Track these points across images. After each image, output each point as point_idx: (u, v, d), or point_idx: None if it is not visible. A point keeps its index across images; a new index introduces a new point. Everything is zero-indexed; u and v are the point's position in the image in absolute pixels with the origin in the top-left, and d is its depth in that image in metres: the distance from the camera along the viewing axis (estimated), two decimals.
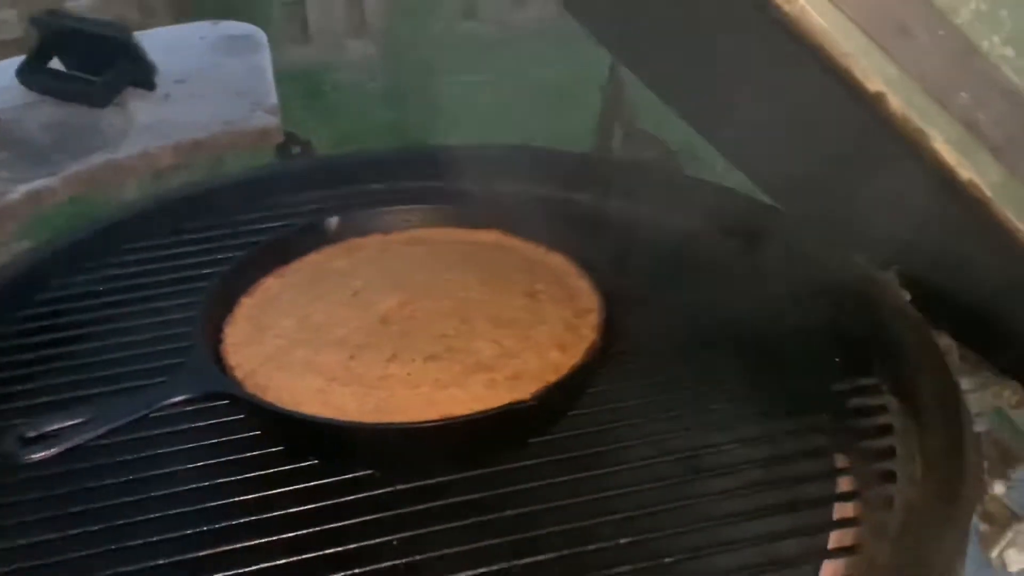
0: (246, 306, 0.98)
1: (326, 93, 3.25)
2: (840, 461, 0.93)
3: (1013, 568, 0.86)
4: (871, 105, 0.53)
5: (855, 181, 0.74)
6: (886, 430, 0.92)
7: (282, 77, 1.56)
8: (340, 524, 0.82)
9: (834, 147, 0.74)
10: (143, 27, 1.74)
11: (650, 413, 0.93)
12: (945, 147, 0.53)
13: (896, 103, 0.52)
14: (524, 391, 0.86)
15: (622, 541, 0.81)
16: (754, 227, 1.13)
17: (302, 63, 3.32)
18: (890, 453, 0.90)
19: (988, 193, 0.54)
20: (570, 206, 1.19)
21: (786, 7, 0.51)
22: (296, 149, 1.39)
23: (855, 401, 0.96)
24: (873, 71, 0.52)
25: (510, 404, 0.84)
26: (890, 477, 0.88)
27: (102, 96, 1.46)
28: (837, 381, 0.98)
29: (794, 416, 0.94)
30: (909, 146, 0.53)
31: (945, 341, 1.01)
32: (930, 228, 0.70)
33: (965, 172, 0.54)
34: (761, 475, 0.88)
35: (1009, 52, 0.52)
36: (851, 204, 0.83)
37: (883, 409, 0.95)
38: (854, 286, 1.05)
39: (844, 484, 0.90)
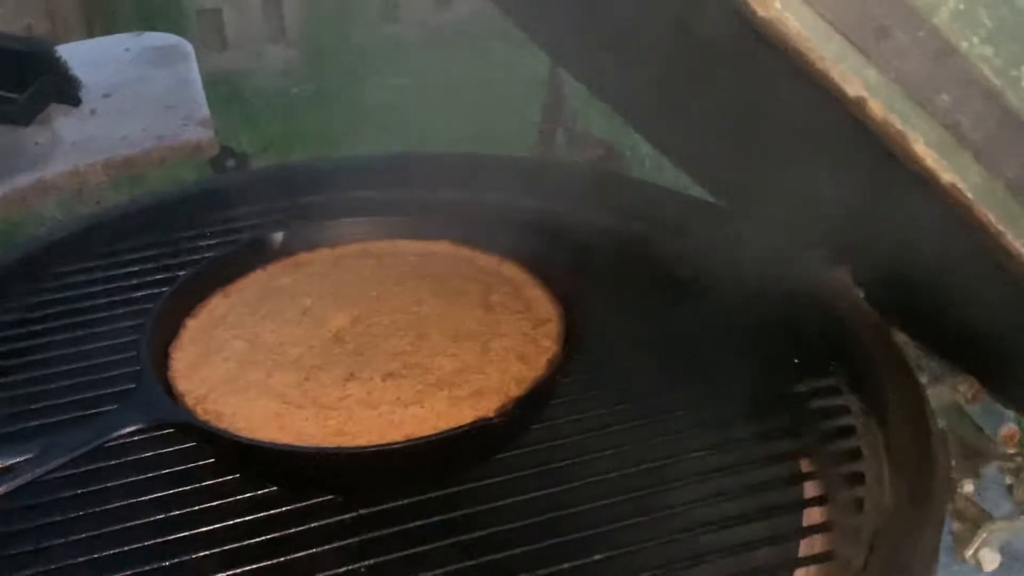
0: (192, 328, 0.95)
1: (248, 100, 3.19)
2: (805, 465, 0.92)
3: (988, 567, 0.86)
4: (851, 109, 0.52)
5: (825, 182, 0.73)
6: (850, 431, 0.92)
7: (202, 84, 1.52)
8: (305, 553, 0.80)
9: (805, 148, 0.74)
10: (56, 39, 1.69)
11: (614, 423, 0.92)
12: (926, 150, 0.53)
13: (877, 107, 0.52)
14: (488, 407, 0.84)
15: (596, 557, 0.79)
16: (704, 228, 1.12)
17: (221, 70, 3.26)
18: (856, 455, 0.90)
19: (970, 195, 0.54)
20: (520, 213, 1.17)
21: (761, 12, 0.50)
22: (231, 162, 1.35)
23: (816, 403, 0.96)
24: (853, 75, 0.51)
25: (476, 422, 0.82)
26: (858, 479, 0.87)
27: (25, 113, 1.40)
28: (797, 383, 0.98)
29: (756, 421, 0.93)
30: (890, 149, 0.53)
31: (900, 337, 1.02)
32: (902, 228, 0.69)
33: (947, 175, 0.53)
34: (728, 483, 0.88)
35: (988, 51, 0.52)
36: (814, 205, 0.83)
37: (845, 410, 0.94)
38: (808, 286, 1.04)
39: (811, 489, 0.90)
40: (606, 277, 1.07)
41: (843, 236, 0.99)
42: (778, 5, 0.50)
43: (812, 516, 0.87)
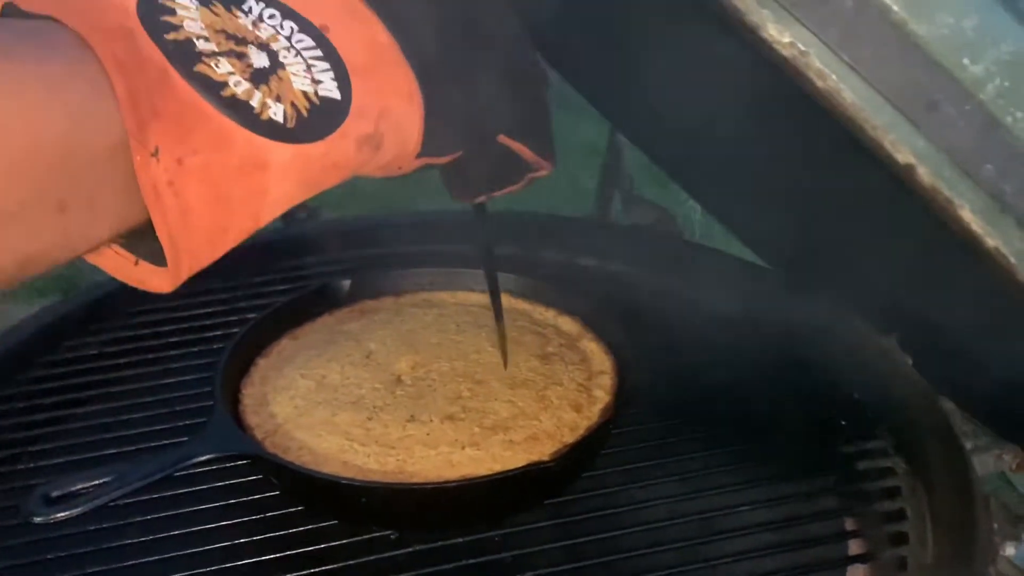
0: (262, 367, 0.99)
1: None
2: (850, 524, 0.94)
3: None
4: (901, 176, 0.56)
5: (872, 247, 0.77)
6: (895, 492, 0.94)
7: None
8: None
9: (855, 215, 0.77)
10: None
11: (662, 475, 0.95)
12: (972, 216, 0.56)
13: (925, 174, 0.55)
14: (542, 451, 0.87)
15: None
16: (757, 292, 1.15)
17: None
18: (900, 515, 0.92)
19: (1013, 260, 0.57)
20: (576, 271, 1.22)
21: (820, 83, 0.54)
22: (303, 214, 1.41)
23: (863, 464, 0.98)
24: (903, 144, 0.55)
25: (530, 464, 0.85)
26: (902, 539, 0.89)
27: None
28: (844, 444, 1.00)
29: (802, 479, 0.96)
30: (938, 215, 0.56)
31: (947, 405, 1.03)
32: (948, 295, 0.72)
33: (991, 240, 0.56)
34: (773, 537, 0.90)
35: None
36: (863, 271, 0.86)
37: (891, 471, 0.96)
38: (857, 351, 1.07)
39: (856, 547, 0.92)
40: (658, 335, 1.10)
41: (892, 303, 1.02)
42: (835, 77, 0.54)
43: (856, 573, 0.88)
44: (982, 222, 0.56)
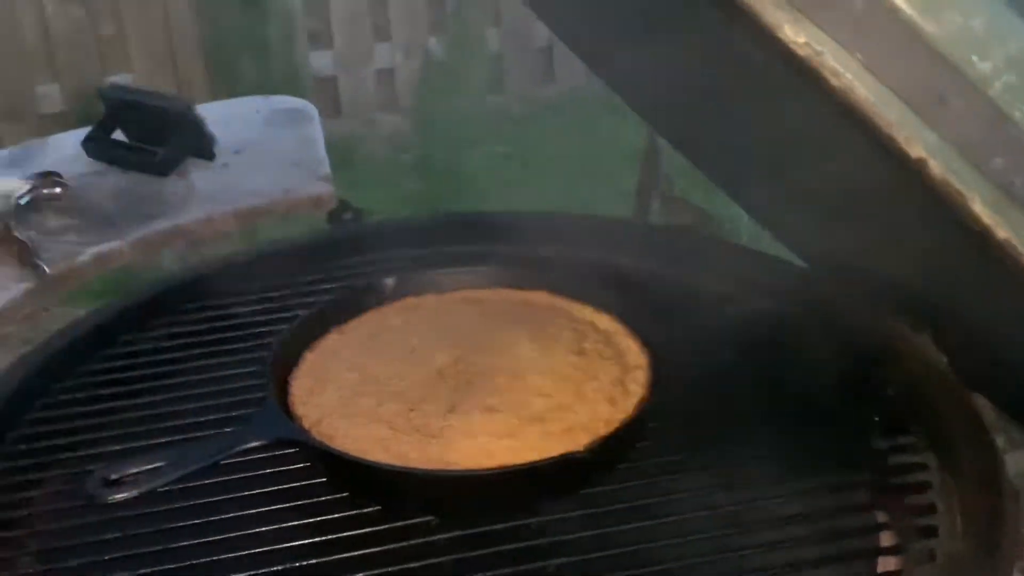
0: (310, 360, 1.03)
1: (357, 164, 3.33)
2: (881, 517, 0.96)
3: None
4: (913, 170, 0.58)
5: (894, 243, 0.79)
6: (926, 487, 0.95)
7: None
8: (401, 567, 0.86)
9: (875, 210, 0.79)
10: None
11: (695, 467, 0.97)
12: (983, 208, 0.58)
13: (937, 168, 0.57)
14: (577, 442, 0.90)
15: None
16: (790, 289, 1.17)
17: (334, 135, 3.42)
18: (931, 509, 0.93)
19: (1023, 251, 0.59)
20: (614, 269, 1.24)
21: (834, 81, 0.56)
22: (348, 215, 1.45)
23: (895, 459, 0.99)
24: (915, 138, 0.57)
25: (564, 454, 0.88)
26: (931, 532, 0.90)
27: (165, 165, 1.53)
28: (877, 439, 1.01)
29: (834, 473, 0.97)
30: (949, 208, 0.58)
31: (980, 401, 1.04)
32: (967, 288, 0.74)
33: (1002, 231, 0.58)
34: (804, 529, 0.92)
35: None
36: (890, 266, 0.88)
37: (922, 466, 0.98)
38: (891, 347, 1.08)
39: (886, 539, 0.93)
40: (694, 331, 1.12)
41: (924, 300, 1.03)
42: (848, 75, 0.56)
43: (886, 564, 0.90)
44: (992, 213, 0.58)
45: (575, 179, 2.86)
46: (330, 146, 1.61)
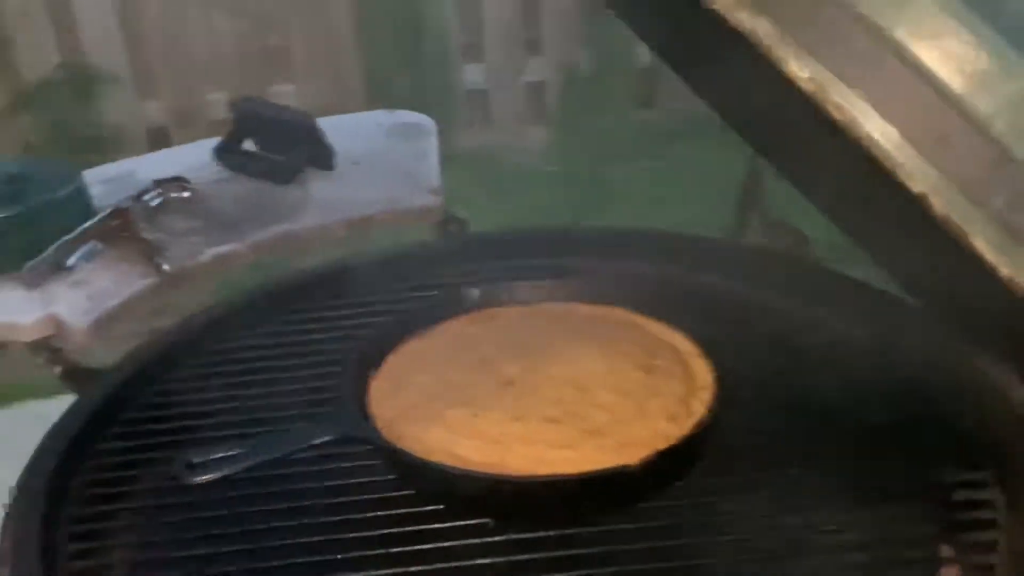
0: (390, 363, 1.09)
1: (502, 175, 3.39)
2: (944, 551, 0.95)
3: None
4: (917, 203, 0.59)
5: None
6: (990, 524, 0.94)
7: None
8: (456, 564, 0.91)
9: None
10: (340, 111, 1.91)
11: (755, 490, 0.98)
12: (985, 245, 0.58)
13: (938, 203, 0.58)
14: (632, 456, 0.92)
15: None
16: (875, 316, 1.17)
17: (483, 148, 3.49)
18: (992, 547, 0.92)
19: None
20: (695, 288, 1.26)
21: (837, 115, 0.58)
22: (452, 227, 1.51)
23: (962, 493, 0.98)
24: (916, 174, 0.58)
25: (616, 467, 0.91)
26: (989, 570, 0.89)
27: (285, 174, 1.62)
28: (945, 473, 1.00)
29: (898, 503, 0.97)
30: (952, 244, 0.59)
31: None
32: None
33: (1006, 269, 0.59)
34: (864, 558, 0.92)
35: None
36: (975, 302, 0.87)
37: (989, 504, 0.96)
38: (971, 381, 1.07)
39: (947, 574, 0.92)
40: (771, 355, 1.13)
41: (1006, 334, 1.01)
42: (851, 110, 0.58)
43: None
44: (995, 251, 0.58)
45: (709, 197, 2.85)
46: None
